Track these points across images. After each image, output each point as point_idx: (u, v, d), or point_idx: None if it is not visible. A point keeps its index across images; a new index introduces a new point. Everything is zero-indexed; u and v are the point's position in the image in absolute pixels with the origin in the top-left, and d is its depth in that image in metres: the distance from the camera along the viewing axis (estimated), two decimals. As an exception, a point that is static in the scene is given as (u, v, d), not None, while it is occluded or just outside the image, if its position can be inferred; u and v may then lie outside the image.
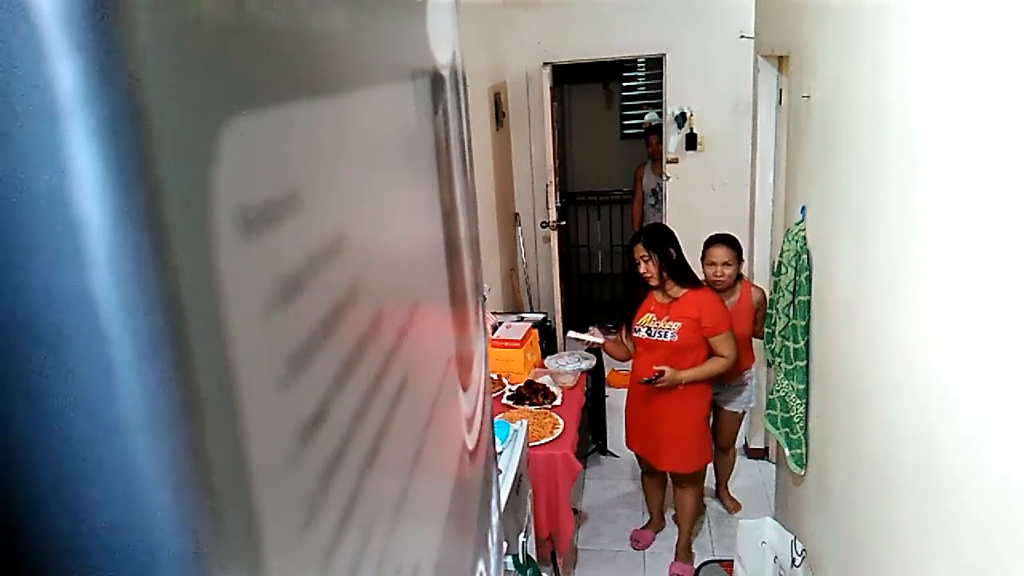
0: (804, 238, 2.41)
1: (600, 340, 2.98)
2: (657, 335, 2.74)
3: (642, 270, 2.73)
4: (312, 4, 0.42)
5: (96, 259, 0.24)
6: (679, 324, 2.70)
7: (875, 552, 1.78)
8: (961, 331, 1.28)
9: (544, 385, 3.07)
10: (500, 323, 3.46)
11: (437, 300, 0.75)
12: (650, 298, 2.80)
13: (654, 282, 2.73)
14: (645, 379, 2.84)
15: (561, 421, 2.79)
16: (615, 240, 6.57)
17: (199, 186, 0.29)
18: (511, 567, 1.75)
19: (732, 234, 3.13)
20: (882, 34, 1.67)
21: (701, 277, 2.93)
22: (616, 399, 3.60)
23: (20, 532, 0.26)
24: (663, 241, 2.74)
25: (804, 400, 2.44)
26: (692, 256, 4.11)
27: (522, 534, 2.11)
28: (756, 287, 3.17)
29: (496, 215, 4.55)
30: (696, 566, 3.08)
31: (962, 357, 1.28)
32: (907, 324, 1.53)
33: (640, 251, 2.73)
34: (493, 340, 3.16)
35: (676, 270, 2.73)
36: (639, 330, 2.80)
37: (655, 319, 2.77)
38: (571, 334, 3.02)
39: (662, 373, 2.67)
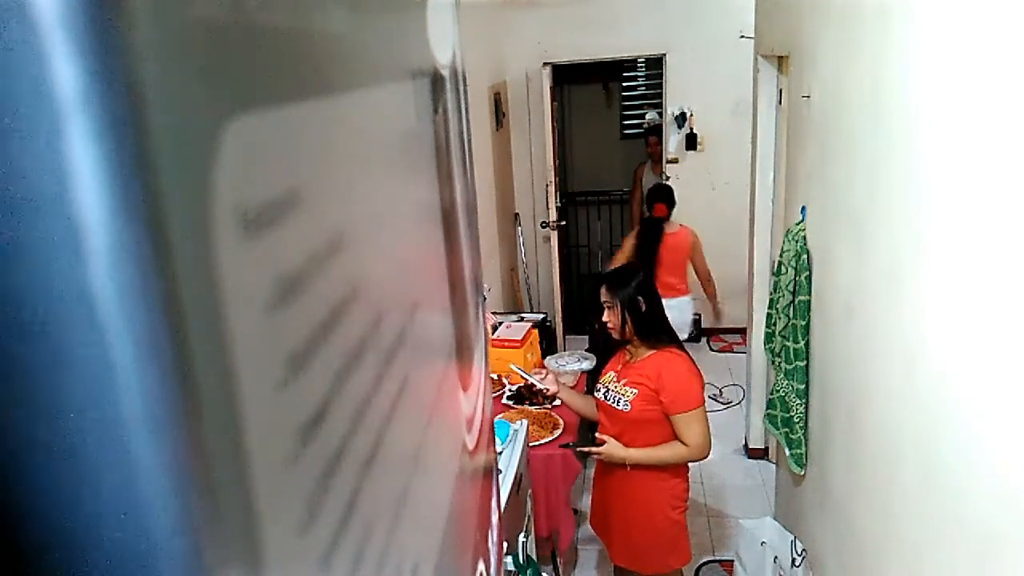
0: (804, 238, 2.41)
1: (542, 384, 2.44)
2: (611, 401, 2.20)
3: (605, 318, 2.20)
4: (312, 4, 0.42)
5: (96, 259, 0.24)
6: (635, 392, 2.13)
7: (875, 552, 1.78)
8: (962, 331, 1.28)
9: (539, 389, 2.75)
10: (500, 323, 3.47)
11: (437, 300, 0.75)
12: (621, 352, 2.29)
13: (616, 335, 2.19)
14: (566, 443, 2.49)
15: (561, 421, 2.79)
16: (615, 240, 6.57)
17: (199, 186, 0.29)
18: (511, 567, 1.75)
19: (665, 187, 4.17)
20: (882, 34, 1.67)
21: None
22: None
23: (20, 532, 0.26)
24: (632, 287, 2.16)
25: (804, 400, 2.45)
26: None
27: (522, 534, 2.11)
28: (685, 228, 4.09)
29: (496, 215, 4.55)
30: (696, 566, 3.08)
31: (963, 357, 1.28)
32: (907, 324, 1.53)
33: (604, 296, 2.20)
34: (493, 340, 3.16)
35: (644, 325, 2.15)
36: (599, 389, 2.29)
37: (615, 380, 2.23)
38: (512, 366, 2.66)
39: (601, 443, 2.20)
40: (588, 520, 2.59)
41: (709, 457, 2.26)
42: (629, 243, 4.06)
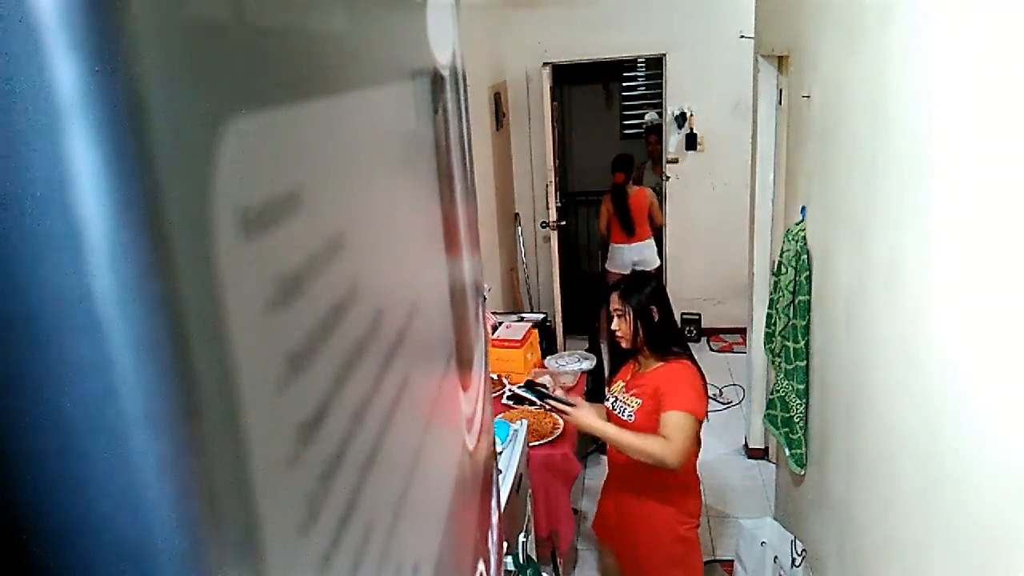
0: (804, 238, 2.41)
1: (555, 396, 2.17)
2: (618, 411, 2.13)
3: (614, 326, 2.11)
4: (312, 4, 0.42)
5: (96, 259, 0.24)
6: (639, 403, 2.06)
7: (875, 552, 1.78)
8: (962, 330, 1.28)
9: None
10: (500, 323, 3.46)
11: (437, 300, 0.75)
12: (631, 362, 2.22)
13: (626, 344, 2.11)
14: (522, 383, 2.43)
15: (561, 421, 2.79)
16: (615, 240, 6.57)
17: (199, 186, 0.29)
18: (511, 567, 1.75)
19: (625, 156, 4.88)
20: (882, 34, 1.67)
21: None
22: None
23: (20, 532, 0.26)
24: (645, 295, 2.08)
25: (804, 400, 2.45)
26: (687, 250, 4.27)
27: (522, 534, 2.11)
28: (641, 188, 4.91)
29: (496, 215, 4.55)
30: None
31: (963, 357, 1.28)
32: (907, 324, 1.53)
33: (615, 303, 2.11)
34: (493, 340, 3.16)
35: (655, 335, 2.07)
36: (608, 398, 2.23)
37: (623, 390, 2.16)
38: (515, 389, 2.51)
39: (571, 404, 2.10)
40: (591, 525, 2.53)
41: (699, 460, 2.17)
42: (606, 205, 4.92)
